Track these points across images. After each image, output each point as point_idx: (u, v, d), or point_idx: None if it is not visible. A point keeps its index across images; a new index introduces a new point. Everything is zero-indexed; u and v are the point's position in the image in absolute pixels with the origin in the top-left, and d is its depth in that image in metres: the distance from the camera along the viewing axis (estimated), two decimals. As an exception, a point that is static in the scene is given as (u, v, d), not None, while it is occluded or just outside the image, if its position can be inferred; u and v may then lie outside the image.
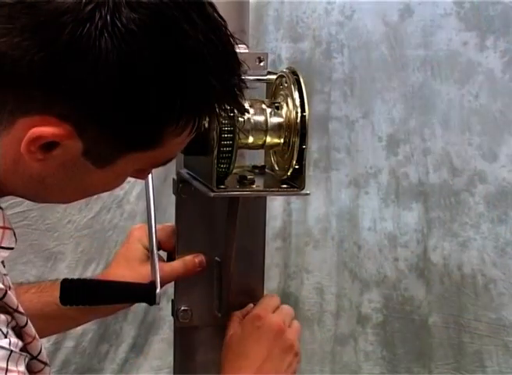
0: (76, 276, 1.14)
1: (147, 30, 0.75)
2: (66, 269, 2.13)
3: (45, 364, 0.83)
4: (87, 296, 1.01)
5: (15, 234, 0.84)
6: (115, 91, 0.75)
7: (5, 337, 0.77)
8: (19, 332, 0.80)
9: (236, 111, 0.90)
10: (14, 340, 0.77)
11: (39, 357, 0.82)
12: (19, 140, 0.77)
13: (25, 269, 2.08)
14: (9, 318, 0.79)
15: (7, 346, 0.76)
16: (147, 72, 0.75)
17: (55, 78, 0.75)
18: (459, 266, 2.20)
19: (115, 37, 0.74)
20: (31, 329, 0.81)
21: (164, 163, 0.86)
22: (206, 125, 1.03)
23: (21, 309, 0.80)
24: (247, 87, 0.87)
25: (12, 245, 0.84)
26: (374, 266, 2.26)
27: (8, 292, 0.78)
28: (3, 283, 0.78)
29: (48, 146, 0.77)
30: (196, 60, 0.77)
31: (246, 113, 0.98)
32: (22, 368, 0.78)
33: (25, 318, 0.81)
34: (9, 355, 0.76)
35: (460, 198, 2.19)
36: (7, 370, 0.75)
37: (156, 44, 0.75)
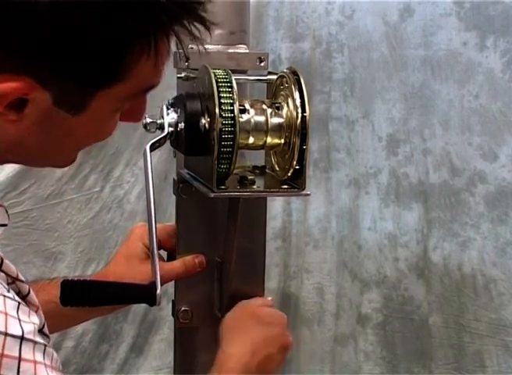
0: (76, 276, 1.14)
1: None
2: (66, 269, 2.12)
3: (48, 337, 0.81)
4: (88, 297, 1.01)
5: (7, 211, 0.84)
6: (57, 31, 0.74)
7: (8, 291, 0.75)
8: (22, 301, 0.78)
9: (197, 26, 0.85)
10: (18, 298, 0.76)
11: (44, 330, 0.80)
12: None
13: (25, 269, 2.07)
14: (9, 279, 0.77)
15: (12, 296, 0.75)
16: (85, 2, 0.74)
17: None
18: (459, 265, 2.20)
19: None
20: (34, 298, 0.80)
21: (142, 94, 0.85)
22: (207, 125, 1.03)
23: (22, 278, 0.79)
24: (210, 0, 0.84)
25: (6, 222, 0.84)
26: (374, 265, 2.25)
27: (5, 261, 0.77)
28: None
29: (18, 105, 0.77)
30: None
31: (209, 28, 0.91)
32: (36, 319, 0.76)
33: (27, 286, 0.79)
34: (18, 306, 0.74)
35: (460, 198, 2.18)
36: (20, 320, 0.73)
37: None
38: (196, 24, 0.82)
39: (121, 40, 0.77)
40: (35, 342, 0.74)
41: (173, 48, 1.18)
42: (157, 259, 1.04)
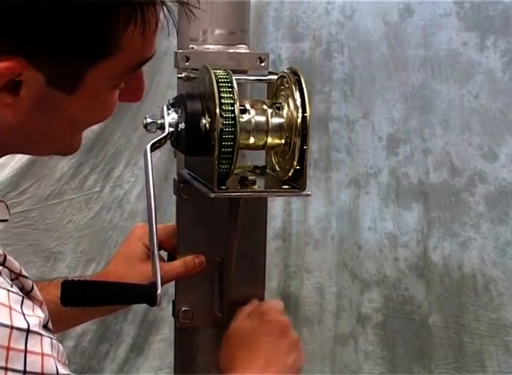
0: (76, 276, 1.13)
1: None
2: (66, 269, 2.12)
3: (53, 333, 0.80)
4: (88, 297, 1.01)
5: (7, 207, 0.84)
6: (42, 8, 0.74)
7: (11, 286, 0.74)
8: (26, 296, 0.78)
9: None
10: (21, 294, 0.75)
11: (48, 325, 0.79)
12: None
13: (25, 269, 2.07)
14: (13, 275, 0.77)
15: (15, 291, 0.74)
16: None
17: None
18: (459, 265, 2.20)
19: None
20: (38, 294, 0.79)
21: (137, 69, 0.84)
22: (207, 126, 1.03)
23: (25, 273, 0.79)
24: None
25: (6, 217, 0.83)
26: (374, 265, 2.26)
27: (8, 257, 0.77)
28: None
29: (12, 88, 0.77)
30: None
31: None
32: (41, 313, 0.75)
33: (30, 282, 0.79)
34: (22, 301, 0.74)
35: (460, 198, 2.19)
36: (24, 314, 0.72)
37: None
38: None
39: (106, 9, 0.76)
40: (41, 335, 0.73)
41: (174, 47, 1.19)
42: (157, 259, 1.04)
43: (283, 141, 1.07)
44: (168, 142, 1.08)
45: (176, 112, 1.06)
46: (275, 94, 1.11)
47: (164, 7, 0.82)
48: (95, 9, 0.76)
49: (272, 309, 1.15)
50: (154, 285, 1.01)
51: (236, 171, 1.05)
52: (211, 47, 1.15)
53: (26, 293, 0.78)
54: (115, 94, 0.85)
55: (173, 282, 1.22)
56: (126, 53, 0.80)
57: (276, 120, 1.06)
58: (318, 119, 2.20)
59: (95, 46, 0.78)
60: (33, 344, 0.72)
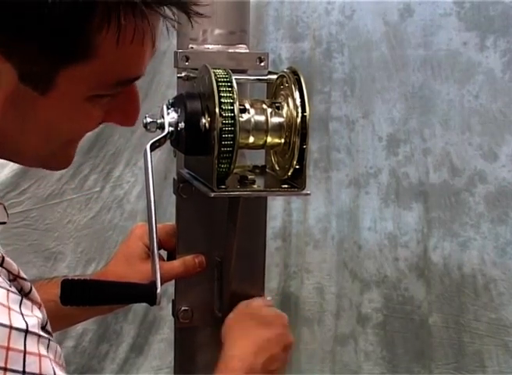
0: (76, 276, 1.13)
1: None
2: (66, 269, 2.13)
3: (51, 335, 0.80)
4: (88, 296, 1.01)
5: (6, 209, 0.83)
6: (16, 2, 0.73)
7: (10, 287, 0.74)
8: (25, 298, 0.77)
9: (173, 10, 0.80)
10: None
11: (47, 327, 0.78)
12: None
13: (25, 269, 2.05)
14: (11, 276, 0.76)
15: (15, 291, 0.74)
16: None
17: None
18: (459, 265, 2.20)
19: None
20: (36, 296, 0.79)
21: (116, 85, 0.81)
22: (207, 125, 1.03)
23: (23, 275, 0.78)
24: None
25: (5, 220, 0.83)
26: (374, 265, 2.26)
27: (7, 258, 0.76)
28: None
29: None
30: None
31: (189, 14, 0.84)
32: (39, 314, 0.75)
33: (29, 284, 0.78)
34: (21, 301, 0.73)
35: (460, 198, 2.19)
36: (23, 315, 0.72)
37: None
38: (173, 8, 0.78)
39: (79, 7, 0.74)
40: (39, 336, 0.73)
41: (173, 47, 1.19)
42: (157, 259, 1.04)
43: (283, 141, 1.07)
44: (168, 142, 1.08)
45: (176, 112, 1.06)
46: (274, 94, 1.11)
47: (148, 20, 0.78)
48: (67, 8, 0.74)
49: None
50: (153, 284, 1.01)
51: (235, 170, 1.05)
52: (210, 47, 1.15)
53: (25, 295, 0.77)
54: (94, 108, 0.83)
55: (173, 281, 1.22)
56: (100, 62, 0.78)
57: (276, 120, 1.06)
58: (318, 119, 2.20)
59: (65, 46, 0.76)
60: (31, 345, 0.72)
